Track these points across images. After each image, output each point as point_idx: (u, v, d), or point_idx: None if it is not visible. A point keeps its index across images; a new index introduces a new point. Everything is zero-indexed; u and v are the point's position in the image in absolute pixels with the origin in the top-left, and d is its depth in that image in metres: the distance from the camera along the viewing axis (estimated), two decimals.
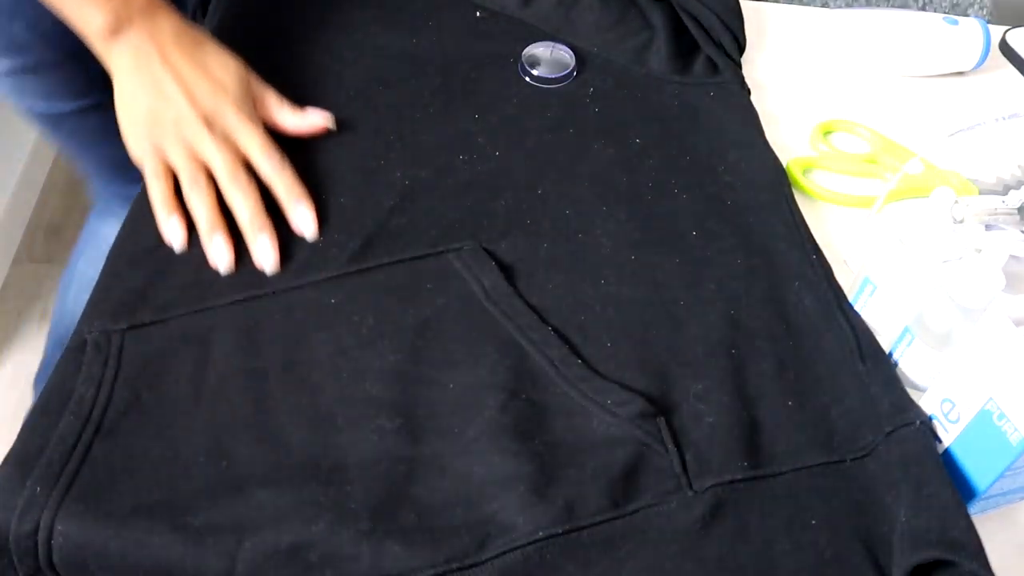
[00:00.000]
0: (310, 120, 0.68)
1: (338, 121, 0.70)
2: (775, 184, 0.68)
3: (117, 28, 0.62)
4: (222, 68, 0.65)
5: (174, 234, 0.61)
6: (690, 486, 0.51)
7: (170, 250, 0.61)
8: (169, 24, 0.64)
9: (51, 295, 1.54)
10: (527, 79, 0.75)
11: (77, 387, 0.53)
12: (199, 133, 0.62)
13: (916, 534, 0.48)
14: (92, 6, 0.62)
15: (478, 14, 0.80)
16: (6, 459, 0.51)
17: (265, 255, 0.60)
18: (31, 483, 0.49)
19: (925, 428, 0.52)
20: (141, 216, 0.64)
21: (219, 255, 0.60)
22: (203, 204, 0.61)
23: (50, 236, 1.63)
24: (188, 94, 0.62)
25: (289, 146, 0.66)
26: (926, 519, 0.48)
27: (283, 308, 0.58)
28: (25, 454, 0.50)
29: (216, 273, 0.60)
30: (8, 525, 0.48)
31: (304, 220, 0.62)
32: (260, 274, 0.60)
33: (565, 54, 0.76)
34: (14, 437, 0.52)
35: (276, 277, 0.60)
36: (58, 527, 0.48)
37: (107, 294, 0.59)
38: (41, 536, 0.48)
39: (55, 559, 0.48)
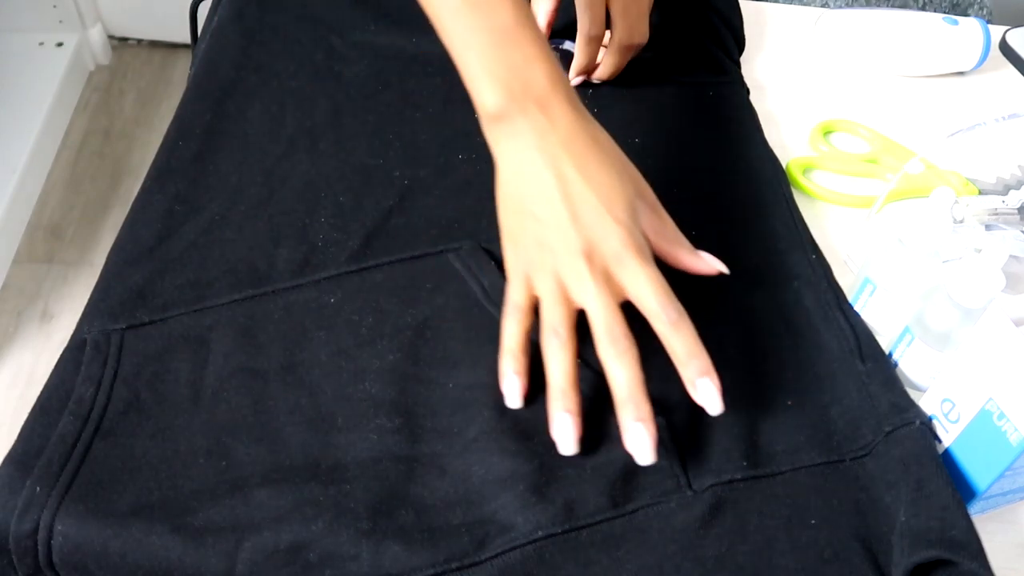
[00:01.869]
0: (706, 264, 0.56)
1: (338, 120, 0.70)
2: (774, 184, 0.68)
3: (507, 112, 0.53)
4: (612, 185, 0.53)
5: (510, 394, 0.52)
6: (689, 486, 0.51)
7: (170, 250, 0.61)
8: (565, 119, 0.53)
9: (51, 295, 1.54)
10: None
11: (76, 387, 0.53)
12: (577, 268, 0.51)
13: (916, 534, 0.48)
14: (488, 80, 0.53)
15: None
16: (6, 459, 0.51)
17: (641, 448, 0.49)
18: (31, 483, 0.49)
19: (925, 428, 0.52)
20: (141, 216, 0.64)
21: (564, 435, 0.50)
22: (559, 365, 0.51)
23: (50, 236, 1.63)
24: (572, 214, 0.51)
25: (281, 147, 0.66)
26: (926, 519, 0.48)
27: (282, 308, 0.58)
28: (25, 454, 0.50)
29: (215, 273, 0.60)
30: (8, 525, 0.48)
31: (708, 396, 0.50)
32: (259, 273, 0.60)
33: (572, 51, 0.76)
34: (14, 437, 0.52)
35: (275, 276, 0.60)
36: (58, 527, 0.48)
37: (106, 294, 0.59)
38: (41, 536, 0.48)
39: (55, 559, 0.48)
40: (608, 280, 0.51)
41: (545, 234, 0.52)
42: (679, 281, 0.61)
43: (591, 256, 0.51)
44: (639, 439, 0.49)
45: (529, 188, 0.53)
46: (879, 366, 0.56)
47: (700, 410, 0.54)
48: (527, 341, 0.53)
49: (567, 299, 0.52)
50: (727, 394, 0.55)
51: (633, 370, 0.50)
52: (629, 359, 0.50)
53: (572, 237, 0.51)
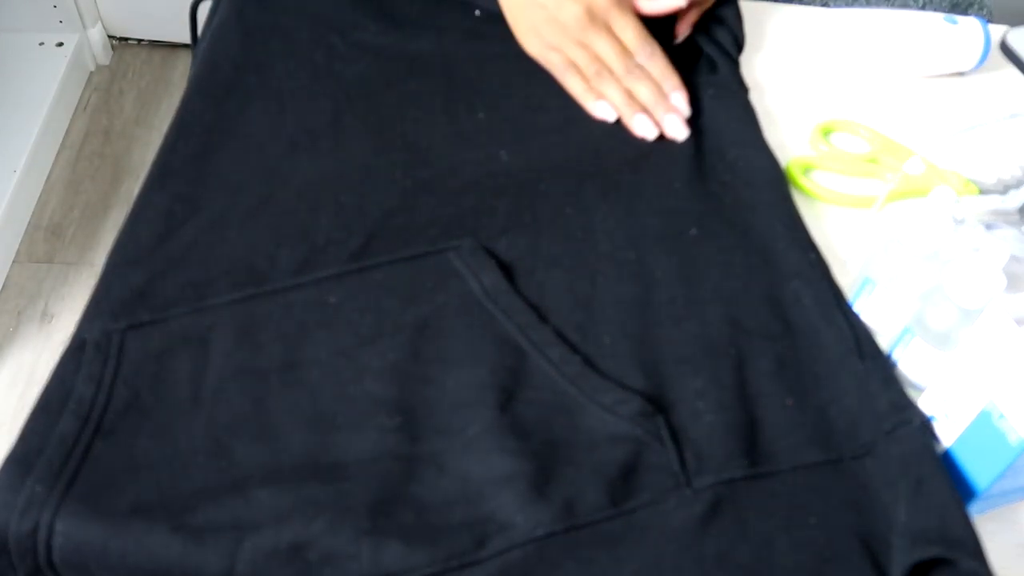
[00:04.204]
0: (665, 2, 0.72)
1: (338, 120, 0.70)
2: (774, 183, 0.68)
3: None
4: None
5: (607, 113, 0.71)
6: (689, 484, 0.51)
7: (170, 250, 0.61)
8: None
9: (51, 295, 1.54)
10: None
11: (77, 386, 0.54)
12: (589, 33, 0.70)
13: (915, 532, 0.48)
14: None
15: (477, 13, 0.80)
16: (6, 459, 0.51)
17: (675, 127, 0.70)
18: (31, 482, 0.49)
19: (924, 427, 0.52)
20: (142, 216, 0.64)
21: (645, 129, 0.70)
22: (616, 91, 0.71)
23: (50, 236, 1.63)
24: None
25: (281, 146, 0.66)
26: (925, 517, 0.48)
27: (283, 307, 0.58)
28: (25, 453, 0.50)
29: (216, 272, 0.60)
30: (8, 524, 0.48)
31: (679, 106, 0.71)
32: (260, 273, 0.60)
33: None
34: (14, 437, 0.52)
35: (276, 275, 0.60)
36: (58, 526, 0.48)
37: (107, 293, 0.59)
38: (41, 535, 0.48)
39: (55, 558, 0.48)
40: (610, 34, 0.70)
41: (553, 14, 0.70)
42: (679, 281, 0.62)
43: (594, 19, 0.70)
44: (673, 123, 0.70)
45: None
46: (878, 365, 0.56)
47: (700, 409, 0.54)
48: (590, 83, 0.71)
49: (594, 54, 0.71)
50: (726, 392, 0.55)
51: (650, 85, 0.71)
52: (643, 81, 0.71)
53: (578, 13, 0.69)
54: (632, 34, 0.71)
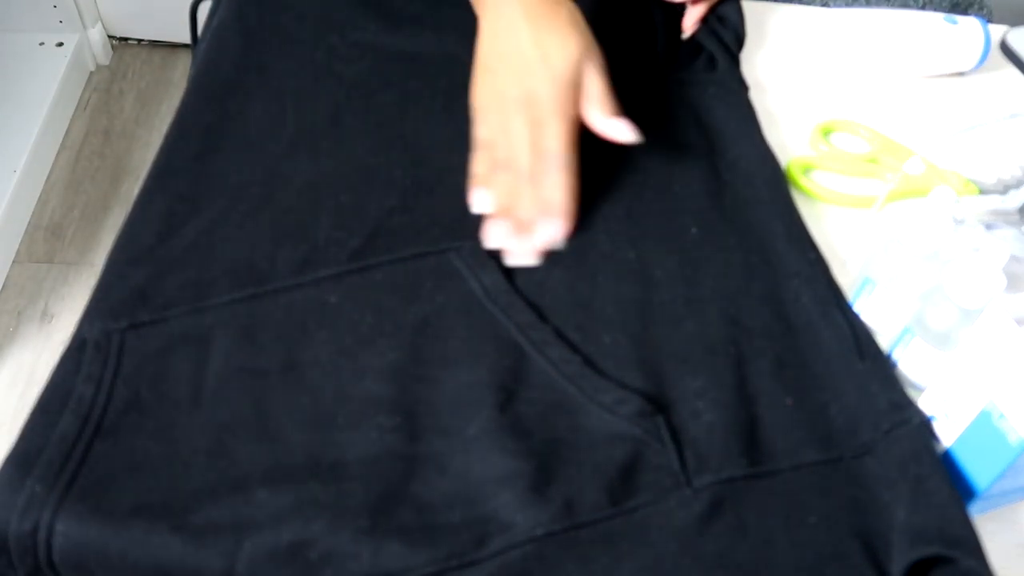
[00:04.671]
0: (612, 128, 0.65)
1: (338, 120, 0.70)
2: (773, 181, 0.68)
3: None
4: (559, 50, 0.63)
5: (482, 206, 0.64)
6: (689, 484, 0.51)
7: (170, 249, 0.61)
8: None
9: (51, 295, 1.54)
10: None
11: (77, 386, 0.54)
12: (516, 116, 0.63)
13: (914, 531, 0.48)
14: None
15: None
16: (6, 459, 0.51)
17: (520, 255, 0.62)
18: (31, 482, 0.49)
19: (923, 426, 0.52)
20: (142, 216, 0.64)
21: (493, 239, 0.62)
22: (504, 190, 0.63)
23: (50, 236, 1.63)
24: (521, 73, 0.63)
25: (281, 146, 0.66)
26: (924, 516, 0.48)
27: (283, 307, 0.58)
28: (25, 453, 0.50)
29: (216, 272, 0.60)
30: (8, 524, 0.48)
31: (543, 237, 0.62)
32: (260, 273, 0.60)
33: None
34: (14, 437, 0.52)
35: (276, 275, 0.60)
36: (58, 526, 0.48)
37: (107, 293, 0.59)
38: (41, 535, 0.48)
39: (55, 558, 0.48)
40: (536, 130, 0.63)
41: (504, 90, 0.64)
42: (679, 280, 0.62)
43: (530, 108, 0.63)
44: (523, 248, 0.63)
45: (491, 48, 0.66)
46: (878, 364, 0.56)
47: (700, 408, 0.54)
48: (493, 167, 0.64)
49: (511, 140, 0.63)
50: (726, 392, 0.55)
51: (527, 204, 0.63)
52: (527, 197, 0.63)
53: (518, 95, 0.63)
54: (555, 141, 0.62)
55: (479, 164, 0.65)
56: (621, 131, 0.64)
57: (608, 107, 0.64)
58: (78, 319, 0.58)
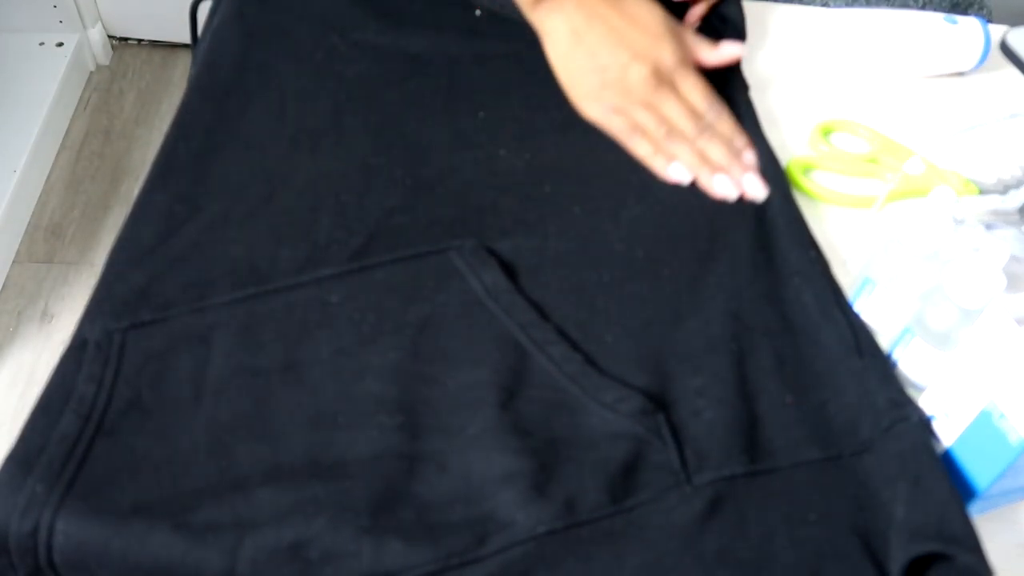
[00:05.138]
0: (725, 52, 0.71)
1: (339, 120, 0.70)
2: (774, 180, 0.68)
3: None
4: (648, 15, 0.67)
5: (682, 175, 0.67)
6: (689, 481, 0.51)
7: (171, 249, 0.61)
8: None
9: (51, 295, 1.54)
10: None
11: (78, 386, 0.54)
12: (656, 95, 0.66)
13: (913, 528, 0.48)
14: None
15: (477, 12, 0.80)
16: (7, 458, 0.51)
17: (755, 187, 0.66)
18: (32, 482, 0.49)
19: (922, 424, 0.53)
20: (142, 215, 0.64)
21: (727, 189, 0.66)
22: (689, 153, 0.67)
23: (50, 236, 1.63)
24: (631, 51, 0.66)
25: (282, 146, 0.66)
26: (923, 514, 0.48)
27: (284, 306, 0.58)
28: (26, 453, 0.51)
29: (217, 272, 0.60)
30: (9, 524, 0.48)
31: (752, 164, 0.67)
32: (261, 272, 0.60)
33: None
34: (14, 437, 0.52)
35: (277, 275, 0.60)
36: (59, 526, 0.48)
37: (108, 293, 0.59)
38: (41, 535, 0.48)
39: (55, 558, 0.48)
40: (677, 94, 0.67)
41: (621, 76, 0.66)
42: (681, 279, 0.62)
43: (659, 78, 0.66)
44: (752, 183, 0.67)
45: (585, 47, 0.67)
46: (877, 362, 0.56)
47: (700, 406, 0.54)
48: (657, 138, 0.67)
49: (661, 116, 0.67)
50: (726, 390, 0.55)
51: (721, 146, 0.67)
52: (715, 142, 0.67)
53: (643, 72, 0.66)
54: (700, 95, 0.68)
55: (641, 148, 0.68)
56: (733, 50, 0.71)
57: (703, 40, 0.70)
58: (78, 319, 0.58)
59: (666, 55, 0.67)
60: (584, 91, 0.69)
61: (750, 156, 0.68)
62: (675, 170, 0.67)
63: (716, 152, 0.67)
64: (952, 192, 0.58)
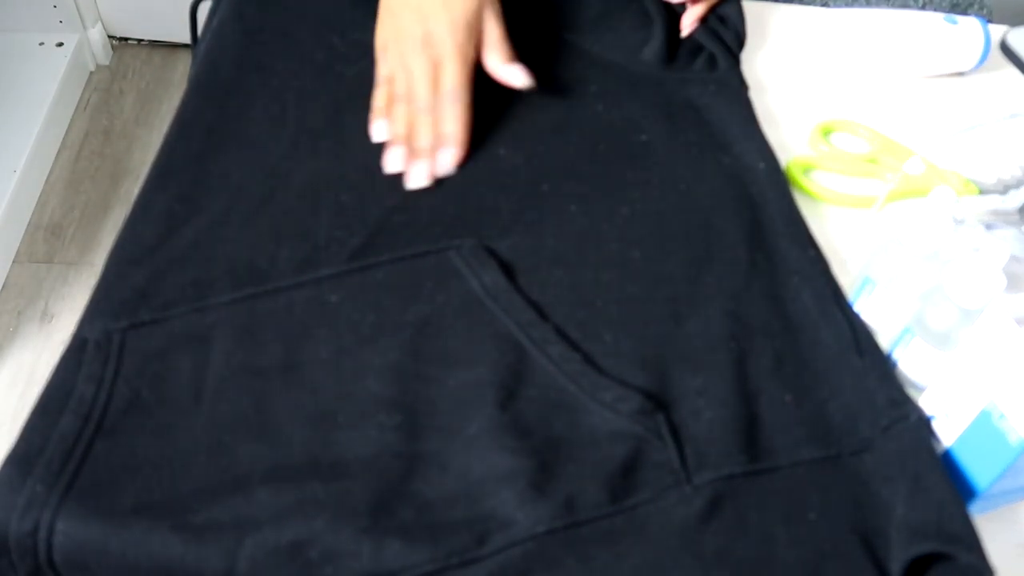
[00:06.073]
0: (508, 72, 0.70)
1: (339, 120, 0.70)
2: (774, 180, 0.68)
3: None
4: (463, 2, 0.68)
5: (379, 134, 0.68)
6: (689, 481, 0.51)
7: (171, 249, 0.61)
8: None
9: (51, 295, 1.54)
10: None
11: (78, 386, 0.54)
12: (416, 54, 0.67)
13: (913, 527, 0.48)
14: None
15: None
16: (7, 458, 0.51)
17: (417, 175, 0.66)
18: (32, 482, 0.49)
19: (921, 423, 0.53)
20: (142, 215, 0.64)
21: (392, 163, 0.67)
22: (401, 121, 0.68)
23: (50, 236, 1.63)
24: (422, 15, 0.68)
25: (282, 146, 0.67)
26: (923, 512, 0.48)
27: (283, 306, 0.58)
28: (26, 453, 0.51)
29: (217, 272, 0.60)
30: (9, 524, 0.48)
31: (441, 162, 0.67)
32: (261, 272, 0.60)
33: None
34: (14, 437, 0.52)
35: (277, 275, 0.60)
36: (59, 526, 0.48)
37: (108, 293, 0.59)
38: (41, 535, 0.48)
39: (55, 558, 0.48)
40: (433, 66, 0.67)
41: (399, 25, 0.69)
42: (681, 278, 0.62)
43: (429, 46, 0.67)
44: (418, 171, 0.67)
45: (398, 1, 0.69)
46: (876, 361, 0.56)
47: (700, 406, 0.54)
48: (391, 101, 0.69)
49: (410, 76, 0.68)
50: (726, 389, 0.55)
51: (427, 133, 0.67)
52: (426, 126, 0.67)
53: (417, 34, 0.67)
54: (452, 78, 0.67)
55: (379, 98, 0.69)
56: (516, 76, 0.70)
57: (505, 52, 0.70)
58: (78, 319, 0.58)
59: (443, 29, 0.67)
60: (380, 30, 0.71)
61: (447, 154, 0.67)
62: (377, 127, 0.68)
63: (423, 132, 0.67)
64: (952, 192, 0.58)
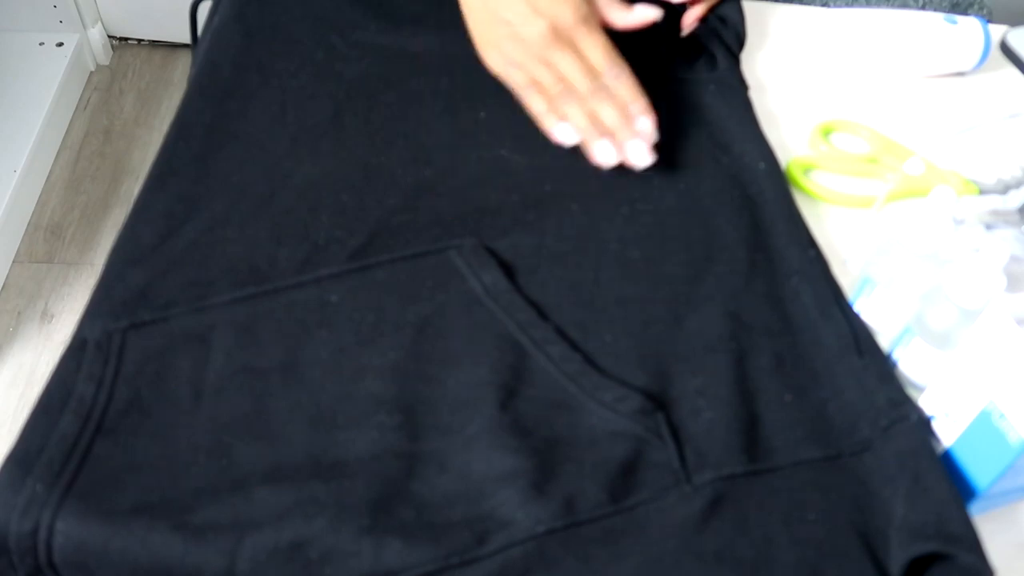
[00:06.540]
0: (637, 15, 0.69)
1: (339, 120, 0.70)
2: (774, 179, 0.68)
3: None
4: None
5: (568, 136, 0.67)
6: (689, 481, 0.51)
7: (171, 249, 0.61)
8: None
9: (51, 295, 1.54)
10: None
11: (78, 386, 0.54)
12: (553, 51, 0.65)
13: (913, 527, 0.48)
14: None
15: None
16: (7, 458, 0.51)
17: (638, 153, 0.66)
18: (31, 482, 0.49)
19: (921, 423, 0.53)
20: (142, 215, 0.64)
21: (606, 156, 0.66)
22: (579, 113, 0.66)
23: (50, 236, 1.63)
24: (531, 6, 0.65)
25: (282, 146, 0.66)
26: (923, 513, 0.48)
27: (284, 306, 0.58)
28: (26, 453, 0.51)
29: (217, 272, 0.60)
30: (8, 524, 0.48)
31: (644, 130, 0.66)
32: (261, 272, 0.60)
33: None
34: (14, 437, 0.52)
35: (277, 275, 0.60)
36: (58, 526, 0.48)
37: (108, 293, 0.59)
38: (41, 535, 0.48)
39: (55, 558, 0.48)
40: (575, 52, 0.66)
41: (516, 31, 0.66)
42: (681, 278, 0.62)
43: (557, 35, 0.65)
44: (636, 149, 0.66)
45: (481, 7, 0.68)
46: (876, 361, 0.56)
47: (700, 406, 0.54)
48: (552, 104, 0.67)
49: (559, 74, 0.66)
50: (726, 389, 0.55)
51: (614, 108, 0.66)
52: (609, 103, 0.66)
53: (541, 29, 0.65)
54: (599, 53, 0.66)
55: (537, 104, 0.68)
56: (647, 13, 0.68)
57: (619, 2, 0.68)
58: (78, 319, 0.58)
59: (566, 12, 0.65)
60: (486, 41, 0.69)
61: (644, 122, 0.66)
62: (561, 131, 0.67)
63: (608, 113, 0.66)
64: (952, 192, 0.58)
